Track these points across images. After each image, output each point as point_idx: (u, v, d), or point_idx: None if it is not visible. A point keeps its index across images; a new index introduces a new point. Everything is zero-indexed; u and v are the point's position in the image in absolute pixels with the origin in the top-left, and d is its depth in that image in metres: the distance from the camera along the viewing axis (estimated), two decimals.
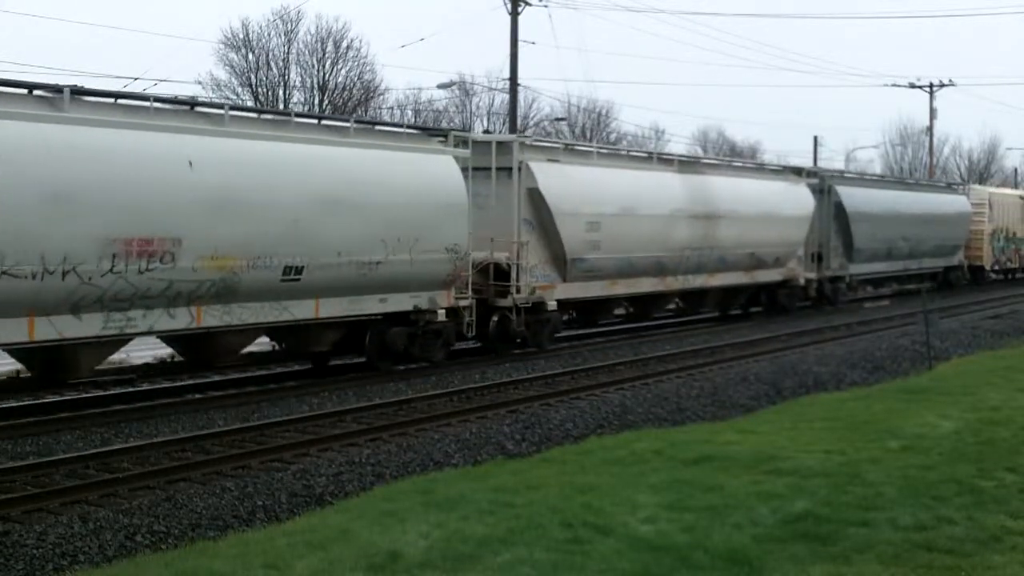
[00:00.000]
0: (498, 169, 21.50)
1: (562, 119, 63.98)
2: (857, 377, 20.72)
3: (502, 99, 55.86)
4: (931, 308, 21.87)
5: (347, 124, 18.37)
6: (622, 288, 24.43)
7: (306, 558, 8.45)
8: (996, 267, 46.24)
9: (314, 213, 16.45)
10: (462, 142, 20.33)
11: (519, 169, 21.49)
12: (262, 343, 19.37)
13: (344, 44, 57.43)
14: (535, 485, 10.72)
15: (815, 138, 69.62)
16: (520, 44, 34.69)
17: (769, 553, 8.39)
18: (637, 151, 32.61)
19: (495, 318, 21.20)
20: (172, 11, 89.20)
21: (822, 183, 32.92)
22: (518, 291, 21.16)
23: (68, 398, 16.09)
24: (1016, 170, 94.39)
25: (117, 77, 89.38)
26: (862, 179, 39.46)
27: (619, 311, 27.88)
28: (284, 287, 16.30)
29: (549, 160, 22.43)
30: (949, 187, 46.38)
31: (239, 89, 55.61)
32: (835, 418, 14.53)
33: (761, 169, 32.30)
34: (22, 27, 75.32)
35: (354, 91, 58.06)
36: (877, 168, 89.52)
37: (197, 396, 16.87)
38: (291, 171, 16.24)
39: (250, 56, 56.20)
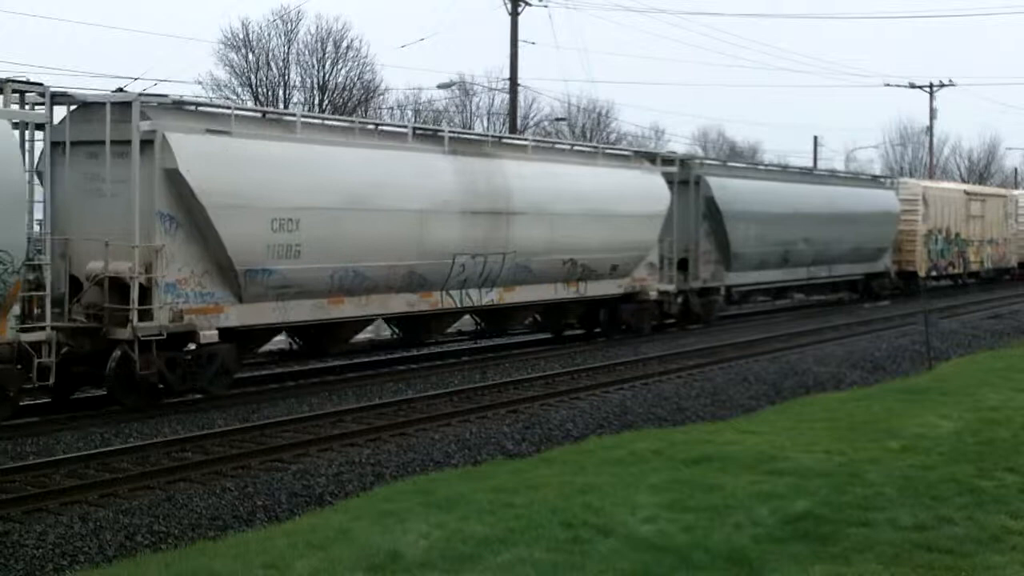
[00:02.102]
0: (117, 143, 15.29)
1: (562, 119, 63.96)
2: (857, 377, 20.71)
3: (502, 99, 55.88)
4: (930, 308, 21.87)
5: None
6: (352, 308, 17.99)
7: (306, 558, 8.45)
8: (934, 273, 39.82)
9: None
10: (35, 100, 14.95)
11: (151, 143, 15.22)
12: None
13: (344, 44, 57.40)
14: (535, 485, 10.72)
15: (815, 138, 69.59)
16: (520, 44, 34.70)
17: (769, 553, 8.39)
18: (385, 125, 23.13)
19: (116, 355, 14.88)
20: (172, 11, 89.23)
21: (686, 172, 27.13)
22: (148, 317, 15.06)
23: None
24: (1016, 170, 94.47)
25: (117, 77, 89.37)
26: (744, 169, 32.22)
27: (386, 333, 22.73)
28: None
29: (208, 131, 15.87)
30: (876, 180, 39.93)
31: (239, 89, 55.61)
32: (835, 418, 14.53)
33: (593, 153, 24.75)
34: (22, 26, 75.30)
35: (354, 91, 58.05)
36: (877, 168, 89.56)
37: (197, 396, 16.86)
38: None
39: (250, 56, 56.16)
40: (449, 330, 22.75)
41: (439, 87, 59.24)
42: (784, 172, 33.78)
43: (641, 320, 25.20)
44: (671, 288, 25.94)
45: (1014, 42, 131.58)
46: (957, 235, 41.01)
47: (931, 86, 64.05)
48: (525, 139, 23.10)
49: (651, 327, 25.67)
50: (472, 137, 22.50)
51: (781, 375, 20.11)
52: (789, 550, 8.48)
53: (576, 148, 24.84)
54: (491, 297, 20.82)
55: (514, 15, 34.38)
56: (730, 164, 33.10)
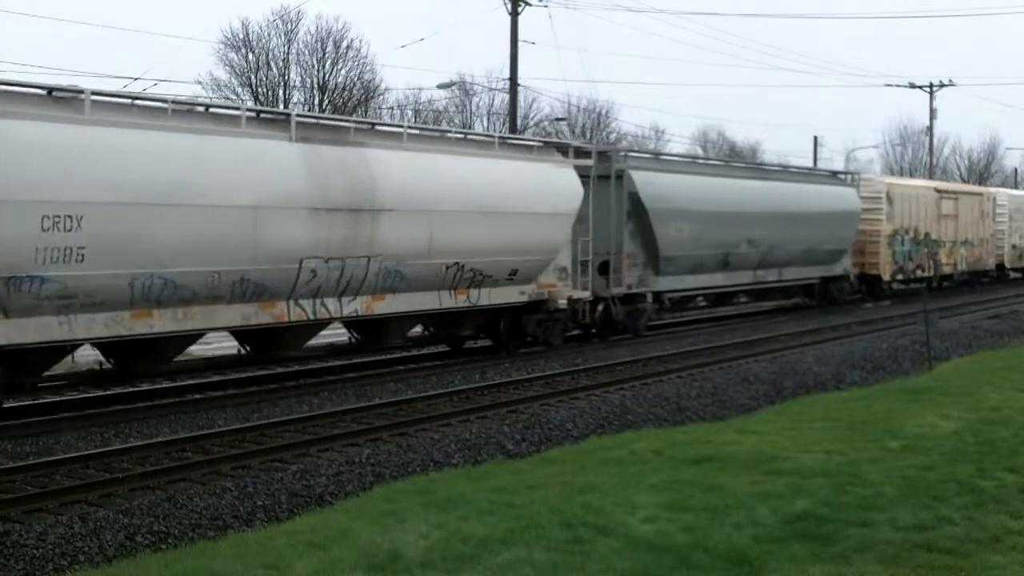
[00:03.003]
0: None
1: (562, 119, 64.02)
2: (857, 377, 20.72)
3: (502, 99, 55.92)
4: (931, 308, 21.86)
5: None
6: (165, 322, 15.03)
7: (306, 558, 8.45)
8: (900, 276, 36.92)
9: None
10: None
11: None
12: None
13: (344, 44, 57.52)
14: (535, 485, 10.72)
15: (815, 138, 69.70)
16: (520, 44, 34.69)
17: (769, 553, 8.39)
18: (216, 107, 19.57)
19: None
20: (172, 11, 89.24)
21: (607, 166, 24.21)
22: None
23: (69, 398, 16.09)
24: (1016, 170, 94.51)
25: (117, 77, 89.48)
26: (676, 163, 28.91)
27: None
28: None
29: None
30: (835, 177, 35.99)
31: (239, 89, 55.65)
32: (835, 418, 14.54)
33: (488, 143, 21.15)
34: (22, 26, 75.34)
35: (354, 91, 58.08)
36: (877, 168, 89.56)
37: (197, 396, 16.87)
38: None
39: (250, 56, 56.26)
40: (317, 344, 20.33)
41: (439, 87, 59.38)
42: (727, 167, 31.45)
43: (550, 331, 22.25)
44: (586, 295, 22.89)
45: (1014, 42, 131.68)
46: (927, 236, 38.17)
47: (931, 86, 64.12)
48: (399, 125, 19.76)
49: (563, 339, 22.84)
50: (329, 122, 18.48)
51: (781, 375, 20.12)
52: (789, 550, 8.48)
53: (470, 137, 21.31)
54: (355, 307, 17.72)
55: (514, 15, 34.38)
56: (663, 157, 30.43)
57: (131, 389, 17.16)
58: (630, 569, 8.06)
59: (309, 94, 56.55)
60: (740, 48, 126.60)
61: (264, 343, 17.70)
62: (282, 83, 56.55)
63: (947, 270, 40.10)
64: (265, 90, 55.97)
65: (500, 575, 8.01)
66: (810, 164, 63.35)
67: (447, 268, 19.07)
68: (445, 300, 19.50)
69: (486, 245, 19.69)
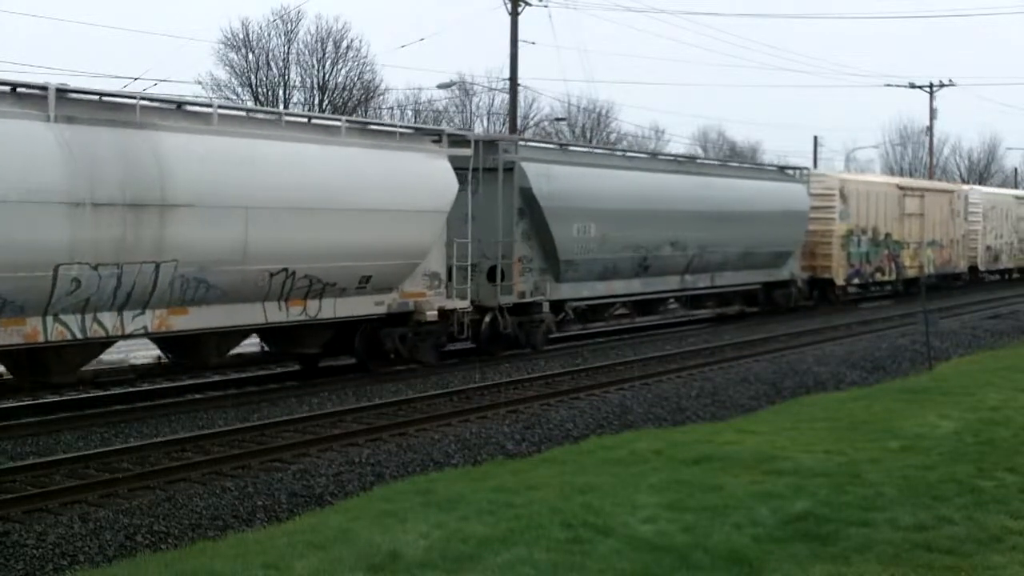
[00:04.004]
0: None
1: (562, 119, 64.03)
2: (857, 377, 20.72)
3: (502, 99, 55.91)
4: (931, 308, 21.86)
5: None
6: None
7: (306, 558, 8.45)
8: (856, 280, 34.14)
9: None
10: None
11: None
12: None
13: (344, 44, 57.48)
14: (535, 485, 10.72)
15: (815, 138, 69.67)
16: (520, 44, 34.69)
17: (769, 553, 8.39)
18: None
19: None
20: (172, 11, 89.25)
21: (493, 157, 21.14)
22: None
23: (68, 398, 16.09)
24: (1016, 170, 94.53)
25: (117, 77, 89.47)
26: (580, 154, 25.14)
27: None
28: None
29: None
30: (782, 172, 32.26)
31: (239, 89, 55.65)
32: (835, 418, 14.54)
33: (334, 128, 17.59)
34: (20, 26, 75.36)
35: (354, 91, 58.08)
36: (877, 168, 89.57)
37: (197, 396, 16.87)
38: None
39: (250, 56, 56.24)
40: (104, 365, 17.93)
41: (439, 87, 59.34)
42: (648, 160, 27.76)
43: (417, 348, 18.99)
44: (463, 305, 19.66)
45: (1014, 42, 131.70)
46: (887, 236, 35.23)
47: (931, 86, 64.12)
48: (208, 105, 16.29)
49: (436, 356, 19.76)
50: (102, 98, 14.61)
51: (781, 375, 20.12)
52: (789, 550, 8.48)
53: (314, 122, 17.91)
54: (144, 323, 14.61)
55: (514, 15, 34.39)
56: (569, 147, 25.93)
57: (131, 389, 17.17)
58: (630, 569, 8.06)
59: (309, 94, 56.57)
60: (740, 48, 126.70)
61: (28, 368, 14.65)
62: (282, 83, 56.56)
63: (911, 273, 37.08)
64: (265, 90, 55.98)
65: (500, 575, 8.01)
66: (810, 164, 63.39)
67: (271, 275, 15.86)
68: (273, 313, 16.24)
69: (326, 248, 16.52)
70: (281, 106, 53.19)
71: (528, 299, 21.82)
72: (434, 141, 19.28)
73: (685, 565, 8.13)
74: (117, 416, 15.10)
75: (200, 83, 53.10)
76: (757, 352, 23.15)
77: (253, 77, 56.19)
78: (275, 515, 11.07)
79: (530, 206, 21.64)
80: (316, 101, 56.06)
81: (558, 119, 63.09)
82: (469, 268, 20.03)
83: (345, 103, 56.47)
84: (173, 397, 16.82)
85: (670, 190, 25.45)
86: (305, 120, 17.82)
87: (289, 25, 55.90)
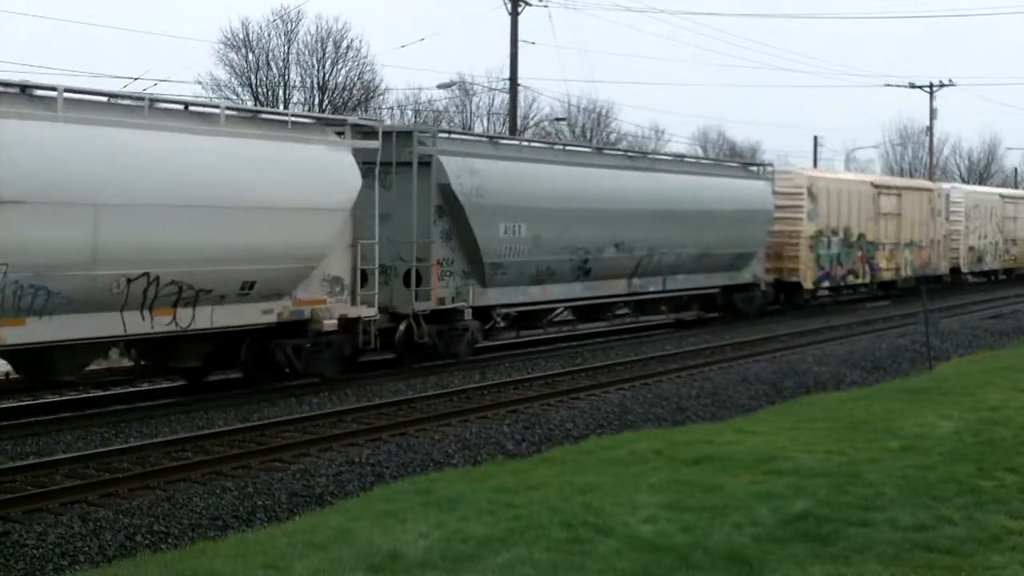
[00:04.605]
0: None
1: (562, 119, 64.03)
2: (857, 377, 20.73)
3: (502, 99, 55.90)
4: (931, 308, 21.85)
5: None
6: None
7: (306, 558, 8.45)
8: (826, 283, 32.20)
9: None
10: None
11: None
12: None
13: (344, 44, 57.45)
14: (535, 485, 10.72)
15: (815, 138, 69.71)
16: (520, 44, 34.72)
17: (769, 553, 8.40)
18: None
19: None
20: (172, 11, 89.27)
21: (407, 150, 19.08)
22: None
23: (68, 398, 16.09)
24: (1016, 170, 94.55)
25: (116, 77, 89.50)
26: (510, 148, 22.20)
27: None
28: None
29: None
30: (745, 169, 30.61)
31: (239, 89, 55.66)
32: (835, 418, 14.54)
33: (209, 118, 15.66)
34: (21, 26, 75.39)
35: (354, 91, 58.08)
36: (878, 168, 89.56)
37: (197, 396, 16.86)
38: None
39: (250, 56, 56.23)
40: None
41: (439, 87, 59.32)
42: (591, 155, 25.30)
43: (316, 360, 17.16)
44: (370, 313, 17.74)
45: (1014, 42, 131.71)
46: (861, 236, 33.31)
47: (931, 86, 64.12)
48: (53, 88, 13.77)
49: (340, 369, 17.88)
50: None
51: (781, 375, 20.12)
52: (789, 550, 8.48)
53: (191, 109, 15.94)
54: None
55: (514, 15, 34.40)
56: (500, 140, 23.39)
57: (131, 389, 17.17)
58: (630, 569, 8.06)
59: (309, 94, 56.57)
60: (740, 48, 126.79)
61: None
62: (282, 83, 56.55)
63: (887, 275, 35.34)
64: (265, 90, 55.98)
65: (500, 575, 8.01)
66: (810, 164, 63.38)
67: (129, 281, 14.15)
68: (134, 324, 14.47)
69: (199, 250, 14.76)
70: (281, 106, 53.17)
71: (448, 305, 19.86)
72: (337, 132, 17.44)
73: (685, 565, 8.13)
74: (117, 416, 15.10)
75: (200, 83, 53.13)
76: (757, 352, 23.14)
77: (253, 77, 56.20)
78: (275, 515, 11.07)
79: (450, 204, 19.64)
80: (316, 101, 56.07)
81: (558, 119, 63.11)
82: (376, 272, 18.00)
83: (345, 103, 56.47)
84: (173, 397, 16.82)
85: (615, 187, 23.35)
86: (181, 107, 15.71)
87: (289, 25, 55.93)
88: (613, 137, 69.50)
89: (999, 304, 36.13)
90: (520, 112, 44.16)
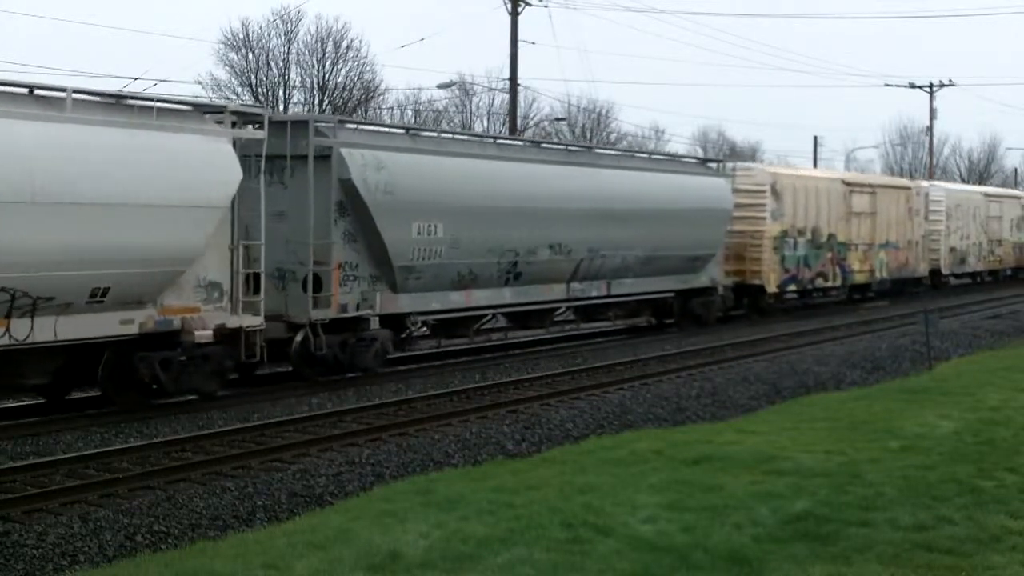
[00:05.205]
0: None
1: (562, 119, 64.03)
2: (857, 377, 20.72)
3: (502, 99, 55.88)
4: (931, 308, 21.84)
5: None
6: None
7: (306, 558, 8.45)
8: (792, 287, 30.38)
9: None
10: None
11: None
12: None
13: (344, 44, 57.47)
14: (535, 485, 10.72)
15: (815, 138, 69.73)
16: (520, 44, 34.76)
17: (769, 553, 8.39)
18: None
19: None
20: (172, 11, 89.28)
21: (302, 141, 17.34)
22: None
23: (69, 398, 16.07)
24: (1016, 170, 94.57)
25: (116, 77, 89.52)
26: (426, 140, 20.20)
27: None
28: None
29: None
30: (704, 165, 28.90)
31: (239, 89, 55.67)
32: (835, 418, 14.54)
33: (55, 102, 13.77)
34: (20, 26, 75.41)
35: (354, 91, 58.10)
36: (878, 168, 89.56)
37: (196, 396, 16.85)
38: None
39: (250, 56, 56.25)
40: None
41: (439, 87, 59.30)
42: (522, 148, 22.93)
43: (191, 376, 15.28)
44: (254, 322, 15.83)
45: (1014, 42, 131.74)
46: (831, 237, 31.49)
47: (931, 86, 64.17)
48: None
49: (218, 385, 15.95)
50: None
51: (781, 375, 20.12)
52: (789, 550, 8.48)
53: (36, 93, 13.80)
54: None
55: (514, 15, 34.41)
56: (417, 133, 20.92)
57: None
58: (630, 569, 8.06)
59: (309, 94, 56.58)
60: (740, 48, 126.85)
61: None
62: (282, 83, 56.56)
63: (860, 278, 33.79)
64: (265, 90, 55.99)
65: (500, 575, 8.01)
66: (809, 164, 63.34)
67: None
68: None
69: (36, 252, 13.00)
70: (281, 107, 53.18)
71: (352, 313, 17.93)
72: (216, 119, 15.69)
73: (685, 565, 8.13)
74: (117, 416, 15.10)
75: (200, 83, 53.11)
76: (757, 352, 23.14)
77: (253, 77, 56.21)
78: (275, 515, 11.07)
79: (353, 201, 17.76)
80: (316, 101, 56.08)
81: (558, 119, 63.13)
82: (263, 276, 16.12)
83: (345, 103, 56.49)
84: (173, 396, 16.80)
85: (548, 184, 21.42)
86: (25, 91, 13.68)
87: (289, 25, 55.94)
88: (613, 137, 69.52)
89: (999, 304, 36.10)
90: (520, 112, 44.18)
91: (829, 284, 32.28)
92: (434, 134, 21.19)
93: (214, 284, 15.41)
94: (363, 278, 18.14)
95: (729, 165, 28.71)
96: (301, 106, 55.13)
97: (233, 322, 15.58)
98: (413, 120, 60.00)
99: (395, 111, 61.46)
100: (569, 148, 25.21)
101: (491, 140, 22.87)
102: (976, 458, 11.70)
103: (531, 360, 21.23)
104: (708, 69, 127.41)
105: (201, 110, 16.00)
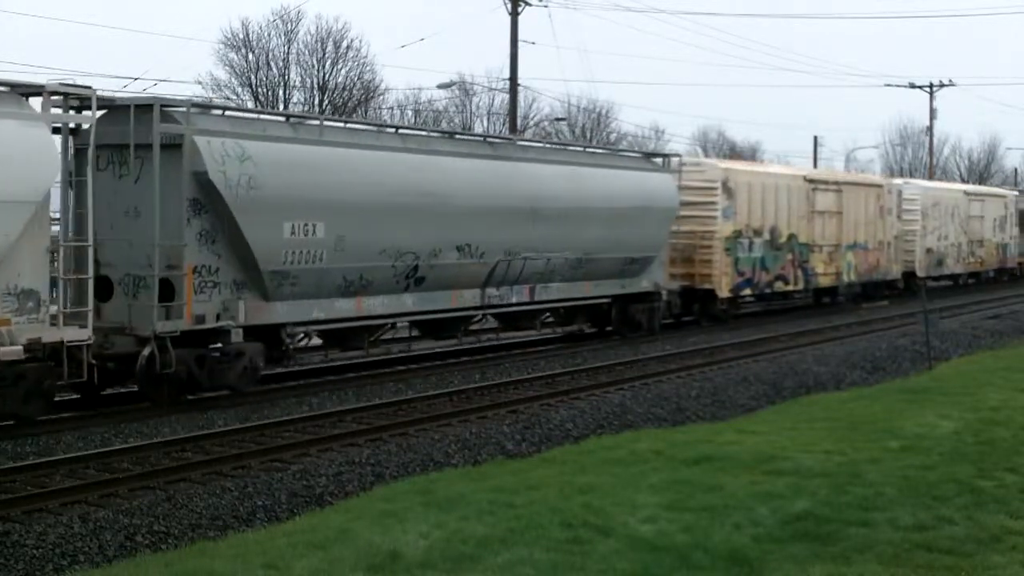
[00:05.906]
0: None
1: (562, 119, 64.03)
2: (857, 377, 20.72)
3: (502, 99, 55.87)
4: (931, 308, 21.85)
5: None
6: None
7: (306, 558, 8.45)
8: (746, 291, 28.27)
9: None
10: None
11: None
12: None
13: (344, 44, 57.45)
14: (535, 485, 10.73)
15: (815, 138, 69.68)
16: (520, 44, 34.74)
17: (769, 553, 8.40)
18: None
19: None
20: (172, 11, 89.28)
21: (146, 127, 15.13)
22: None
23: (69, 398, 16.07)
24: (1016, 170, 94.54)
25: (116, 77, 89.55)
26: (304, 128, 17.75)
27: None
28: None
29: None
30: (648, 159, 26.27)
31: (239, 89, 55.66)
32: (835, 418, 14.54)
33: None
34: (20, 26, 75.43)
35: (354, 91, 58.09)
36: (877, 168, 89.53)
37: (196, 396, 16.86)
38: None
39: (250, 56, 56.24)
40: None
41: (439, 87, 59.28)
42: (428, 139, 20.33)
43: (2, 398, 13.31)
44: (81, 336, 13.79)
45: (1014, 43, 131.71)
46: (792, 238, 29.34)
47: (931, 86, 64.16)
48: None
49: (41, 407, 13.91)
50: None
51: (781, 375, 20.12)
52: (789, 550, 8.49)
53: None
54: None
55: (514, 15, 34.40)
56: (302, 120, 18.88)
57: (131, 389, 17.12)
58: (630, 569, 8.06)
59: (309, 94, 56.57)
60: (740, 48, 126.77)
61: None
62: (282, 83, 56.55)
63: (826, 282, 31.83)
64: (265, 90, 55.98)
65: (500, 575, 8.01)
66: (809, 164, 63.31)
67: None
68: None
69: None
70: (281, 107, 53.16)
71: (211, 324, 15.74)
72: (23, 94, 13.65)
73: (685, 565, 8.14)
74: (117, 416, 15.10)
75: (200, 83, 53.09)
76: (757, 352, 23.14)
77: (253, 77, 56.19)
78: (275, 515, 11.08)
79: (210, 197, 15.59)
80: (316, 101, 56.08)
81: (558, 119, 63.13)
82: (91, 283, 14.14)
83: (345, 103, 56.49)
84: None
85: (457, 179, 19.25)
86: None
87: (289, 25, 55.93)
88: (613, 137, 69.52)
89: (999, 304, 36.08)
90: (520, 112, 44.20)
91: (790, 288, 30.32)
92: (315, 122, 18.54)
93: (29, 292, 13.22)
94: (224, 284, 15.92)
95: (676, 160, 26.26)
96: (301, 106, 55.13)
97: (51, 336, 13.39)
98: (413, 120, 59.99)
99: (395, 111, 61.47)
100: (488, 140, 22.91)
101: (392, 130, 19.99)
102: (976, 458, 11.70)
103: (531, 360, 21.23)
104: (708, 69, 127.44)
105: (18, 90, 13.61)
